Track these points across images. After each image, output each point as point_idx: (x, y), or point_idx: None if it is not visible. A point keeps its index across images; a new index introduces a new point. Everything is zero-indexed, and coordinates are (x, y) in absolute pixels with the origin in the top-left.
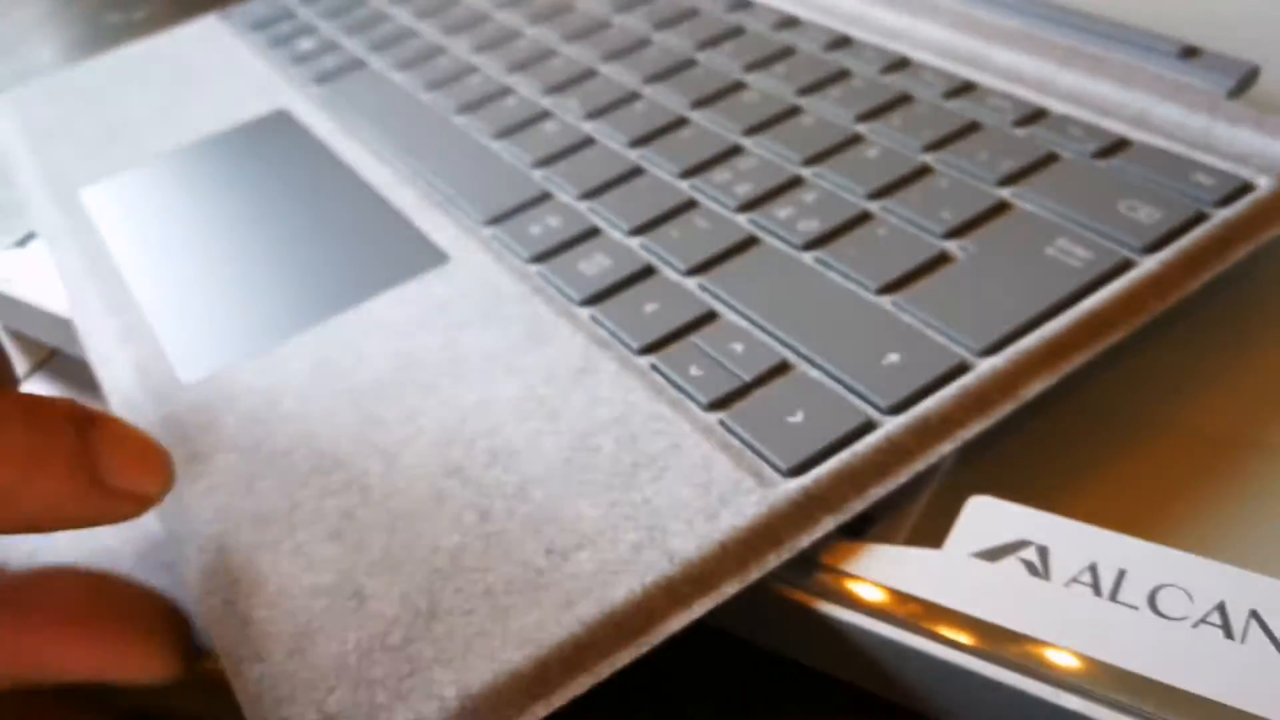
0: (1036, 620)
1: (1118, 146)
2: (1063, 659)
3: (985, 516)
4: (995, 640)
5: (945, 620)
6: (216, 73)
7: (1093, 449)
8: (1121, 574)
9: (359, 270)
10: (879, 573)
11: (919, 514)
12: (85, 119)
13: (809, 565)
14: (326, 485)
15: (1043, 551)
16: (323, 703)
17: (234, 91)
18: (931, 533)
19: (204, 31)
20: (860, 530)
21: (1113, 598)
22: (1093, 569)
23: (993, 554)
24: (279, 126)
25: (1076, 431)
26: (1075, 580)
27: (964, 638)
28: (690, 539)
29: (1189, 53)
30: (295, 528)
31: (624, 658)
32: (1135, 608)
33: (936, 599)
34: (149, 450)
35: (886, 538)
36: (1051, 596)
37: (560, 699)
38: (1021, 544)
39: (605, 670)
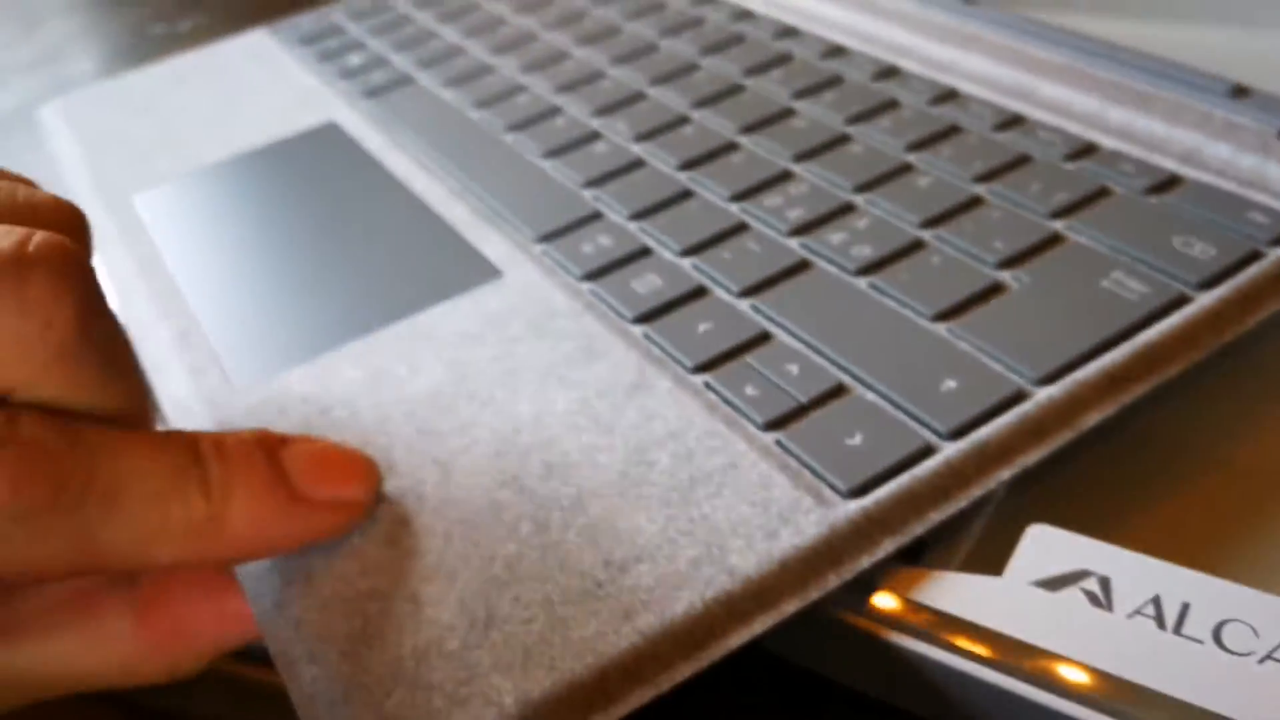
0: (1099, 651)
1: (1170, 183)
2: (1126, 691)
3: (1045, 545)
4: (1057, 670)
5: (1006, 648)
6: (266, 84)
7: (1153, 482)
8: (1185, 607)
9: (411, 282)
10: (939, 599)
11: (974, 540)
12: (136, 126)
13: (868, 590)
14: (381, 492)
15: (1104, 582)
16: (380, 706)
17: (283, 103)
18: (987, 560)
19: (252, 45)
20: (916, 555)
21: (1177, 631)
22: (1156, 601)
23: (1054, 583)
24: (329, 139)
25: (1136, 464)
26: (1138, 612)
27: (1026, 667)
28: (750, 556)
29: (1239, 92)
30: (350, 533)
31: (684, 671)
32: (1200, 642)
33: (997, 627)
34: (346, 459)
35: (942, 563)
36: (1114, 628)
37: (619, 710)
38: (1083, 574)
39: (665, 683)
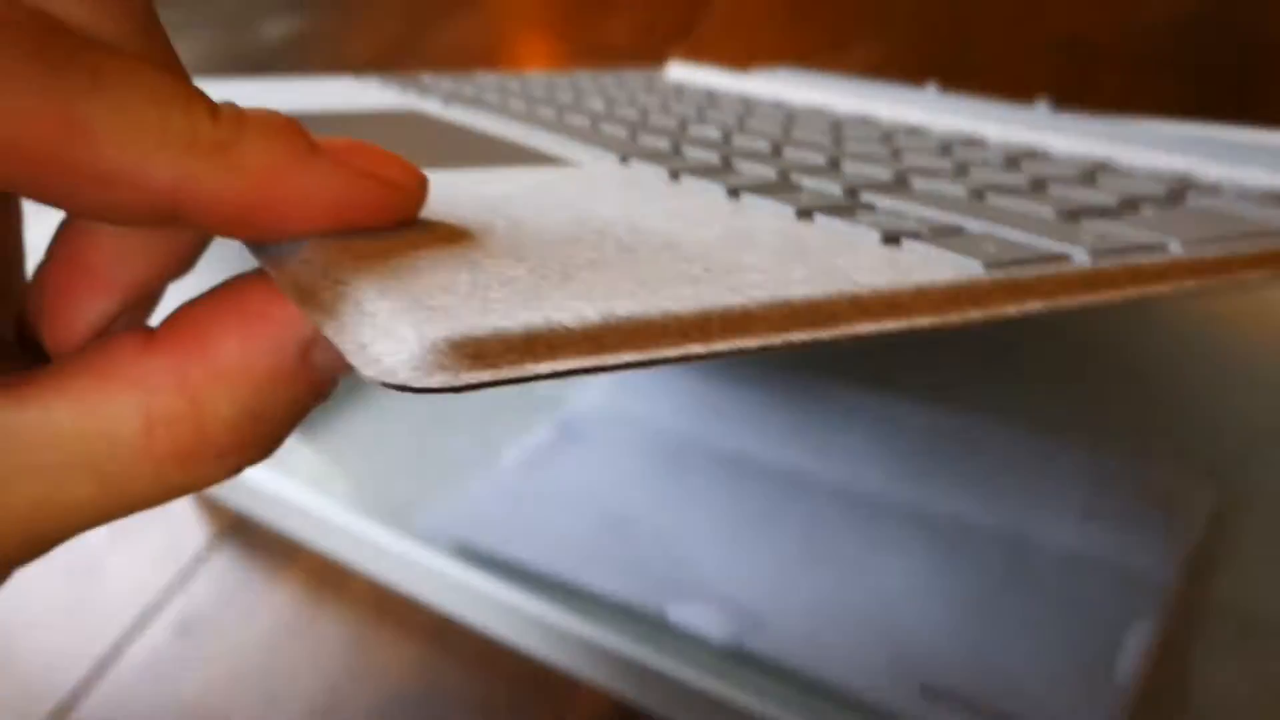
0: None
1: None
2: None
3: None
4: None
5: None
6: (340, 87)
7: None
8: None
9: (478, 153)
10: None
11: None
12: None
13: None
14: (433, 214)
15: None
16: (424, 298)
17: (360, 96)
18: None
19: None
20: None
21: None
22: None
23: None
24: (410, 116)
25: None
26: None
27: None
28: (879, 277)
29: None
30: (391, 221)
31: (798, 337)
32: None
33: None
34: (385, 151)
35: None
36: None
37: (723, 346)
38: None
39: (775, 339)
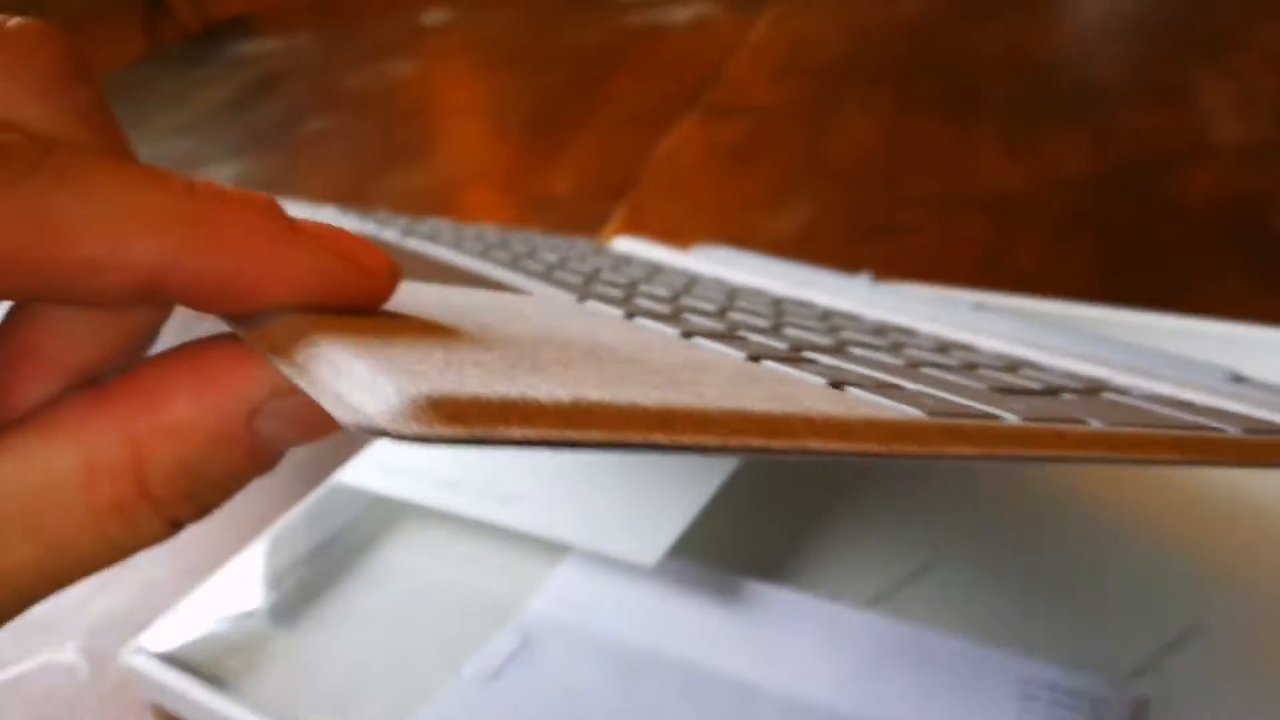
0: None
1: (1189, 404)
2: None
3: None
4: None
5: None
6: (299, 209)
7: None
8: None
9: (441, 276)
10: None
11: None
12: None
13: None
14: (412, 319)
15: None
16: (401, 363)
17: (317, 218)
18: None
19: None
20: None
21: None
22: None
23: None
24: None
25: None
26: None
27: None
28: (830, 407)
29: (1238, 379)
30: (365, 302)
31: (755, 443)
32: None
33: None
34: (359, 238)
35: None
36: None
37: (685, 440)
38: None
39: (735, 442)
